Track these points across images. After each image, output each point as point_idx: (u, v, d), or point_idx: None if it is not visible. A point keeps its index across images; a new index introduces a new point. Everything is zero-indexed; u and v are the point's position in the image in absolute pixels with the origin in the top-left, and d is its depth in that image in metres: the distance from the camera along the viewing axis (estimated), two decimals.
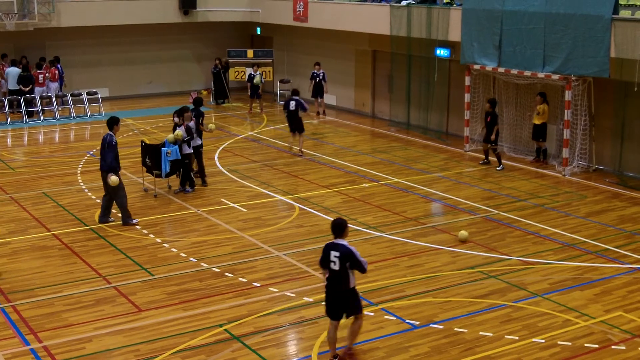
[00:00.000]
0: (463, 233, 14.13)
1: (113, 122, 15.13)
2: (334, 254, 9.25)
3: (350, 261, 9.22)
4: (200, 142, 17.45)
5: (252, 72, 27.41)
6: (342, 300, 9.45)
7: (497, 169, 19.25)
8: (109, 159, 14.77)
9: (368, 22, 24.69)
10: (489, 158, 19.88)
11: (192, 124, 17.05)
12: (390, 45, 24.13)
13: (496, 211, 15.95)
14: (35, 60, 27.80)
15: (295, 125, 21.05)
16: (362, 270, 9.34)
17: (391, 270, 12.75)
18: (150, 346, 10.13)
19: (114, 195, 15.07)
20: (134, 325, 10.77)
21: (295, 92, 21.43)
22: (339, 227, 9.34)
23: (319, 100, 26.93)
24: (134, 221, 15.15)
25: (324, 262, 9.42)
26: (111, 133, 14.93)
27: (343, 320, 9.62)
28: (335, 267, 9.25)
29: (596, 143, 19.37)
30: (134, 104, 29.45)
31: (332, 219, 9.61)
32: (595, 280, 12.34)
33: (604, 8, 17.33)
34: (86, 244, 14.11)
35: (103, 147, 14.90)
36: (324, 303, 9.74)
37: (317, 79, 26.66)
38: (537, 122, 19.73)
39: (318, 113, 26.83)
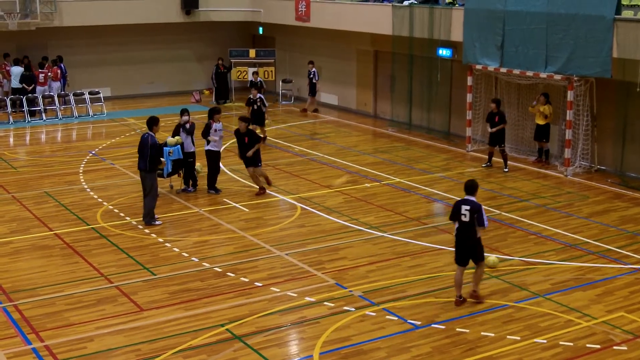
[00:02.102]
0: (494, 260, 12.86)
1: (152, 122, 15.02)
2: (464, 207, 10.93)
3: (478, 214, 10.82)
4: (210, 148, 17.12)
5: (255, 72, 27.49)
6: (469, 249, 11.03)
7: (505, 170, 19.19)
8: (156, 159, 14.86)
9: (370, 22, 24.68)
10: (492, 160, 19.82)
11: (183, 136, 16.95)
12: (392, 45, 24.12)
13: (498, 211, 15.93)
14: (38, 60, 27.82)
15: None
16: (483, 224, 10.90)
17: (393, 271, 12.74)
18: (151, 346, 10.14)
19: (147, 193, 14.96)
20: (135, 324, 10.78)
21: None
22: (473, 187, 11.13)
23: (311, 98, 27.25)
24: (158, 222, 15.12)
25: (455, 215, 11.06)
26: (151, 133, 14.84)
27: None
28: (466, 219, 10.90)
29: (598, 143, 19.35)
30: (136, 103, 29.45)
31: (467, 179, 11.53)
32: (597, 281, 12.33)
33: (606, 8, 17.30)
34: (88, 244, 14.11)
35: (142, 147, 14.77)
36: (454, 250, 11.34)
37: (309, 77, 27.13)
38: (541, 122, 19.67)
39: (305, 110, 27.24)
